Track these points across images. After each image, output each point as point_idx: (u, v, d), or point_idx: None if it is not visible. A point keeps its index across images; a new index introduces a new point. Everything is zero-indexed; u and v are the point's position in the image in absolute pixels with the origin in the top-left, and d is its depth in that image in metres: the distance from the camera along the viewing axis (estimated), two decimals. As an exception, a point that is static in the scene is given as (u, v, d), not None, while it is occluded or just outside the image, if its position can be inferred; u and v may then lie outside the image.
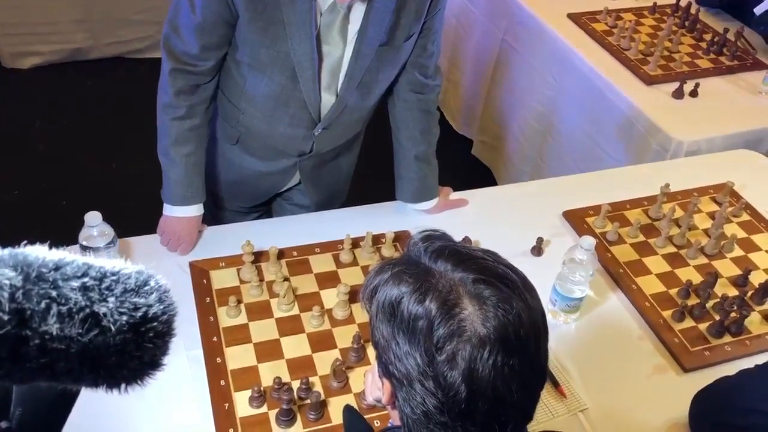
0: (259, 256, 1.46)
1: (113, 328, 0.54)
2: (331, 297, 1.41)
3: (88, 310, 0.53)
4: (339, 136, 1.58)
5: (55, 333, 0.52)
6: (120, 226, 1.45)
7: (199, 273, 1.44)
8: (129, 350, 0.55)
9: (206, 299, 1.39)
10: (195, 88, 1.41)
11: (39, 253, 0.56)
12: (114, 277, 0.56)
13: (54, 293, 0.53)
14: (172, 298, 0.60)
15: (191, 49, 1.36)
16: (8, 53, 3.43)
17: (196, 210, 1.49)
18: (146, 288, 0.57)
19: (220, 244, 1.50)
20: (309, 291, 1.43)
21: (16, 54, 3.44)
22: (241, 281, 1.43)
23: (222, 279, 1.44)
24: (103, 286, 0.55)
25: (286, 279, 1.43)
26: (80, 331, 0.53)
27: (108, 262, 0.57)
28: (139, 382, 0.57)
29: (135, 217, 1.57)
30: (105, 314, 0.54)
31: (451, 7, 2.92)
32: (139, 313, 0.56)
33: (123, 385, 0.57)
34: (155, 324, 0.57)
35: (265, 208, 1.79)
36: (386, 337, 0.74)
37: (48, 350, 0.52)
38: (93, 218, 1.31)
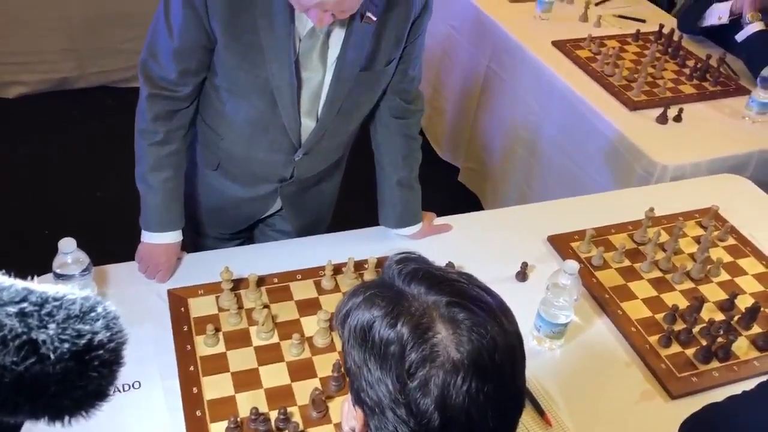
0: (238, 283, 1.44)
1: (53, 356, 0.51)
2: (311, 324, 1.38)
3: (24, 337, 0.50)
4: (320, 162, 1.57)
5: None
6: (101, 254, 1.43)
7: (178, 301, 1.42)
8: (71, 379, 0.52)
9: (184, 328, 1.36)
10: (173, 114, 1.40)
11: None
12: (56, 303, 0.53)
13: None
14: (121, 324, 0.57)
15: (169, 74, 1.34)
16: (-7, 83, 3.43)
17: (174, 236, 1.47)
18: (92, 314, 0.54)
19: (200, 271, 1.48)
20: (289, 318, 1.41)
21: (1, 83, 3.43)
22: (220, 309, 1.40)
23: (200, 307, 1.41)
24: (44, 311, 0.52)
25: (265, 306, 1.40)
26: (15, 359, 0.50)
27: (53, 288, 0.55)
28: (83, 413, 0.54)
29: (116, 245, 1.55)
30: (44, 341, 0.51)
31: (435, 35, 2.94)
32: (83, 341, 0.53)
33: (66, 417, 0.54)
34: (101, 352, 0.54)
35: (246, 234, 1.76)
36: (358, 363, 0.72)
37: None
38: (67, 245, 1.28)
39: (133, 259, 1.48)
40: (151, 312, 1.39)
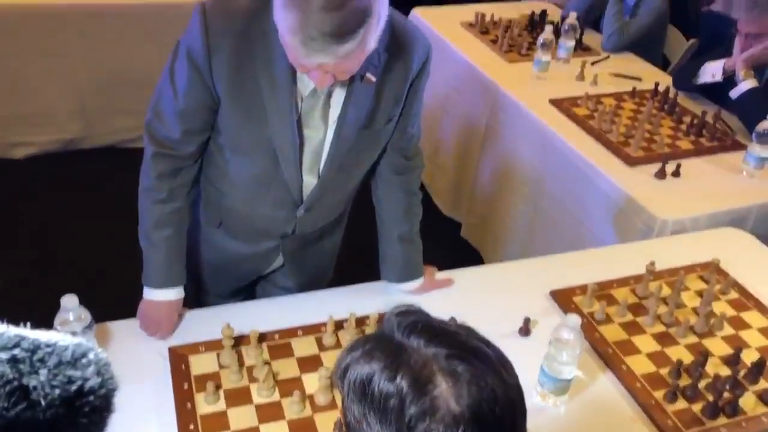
0: (239, 340, 1.43)
1: (43, 402, 0.51)
2: (312, 382, 1.37)
3: (15, 383, 0.51)
4: (322, 218, 1.58)
5: None
6: (103, 311, 1.43)
7: (178, 358, 1.41)
8: (61, 426, 0.52)
9: (184, 385, 1.35)
10: (177, 172, 1.42)
11: None
12: (48, 349, 0.54)
13: None
14: (112, 371, 0.57)
15: (173, 133, 1.37)
16: (2, 144, 3.47)
17: (176, 293, 1.47)
18: (83, 360, 0.54)
19: (201, 327, 1.48)
20: (290, 376, 1.40)
21: (9, 144, 3.48)
22: (221, 366, 1.40)
23: (201, 364, 1.40)
24: (36, 357, 0.53)
25: (266, 363, 1.39)
26: (5, 405, 0.50)
27: (45, 334, 0.55)
28: None
29: (119, 302, 1.56)
30: (35, 387, 0.51)
31: (435, 93, 3.00)
32: (74, 387, 0.53)
33: None
34: (91, 398, 0.54)
35: (248, 291, 1.77)
36: (357, 417, 0.71)
37: None
38: (69, 301, 1.28)
39: (135, 316, 1.48)
40: (151, 369, 1.38)
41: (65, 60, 3.34)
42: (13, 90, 3.34)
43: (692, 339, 1.57)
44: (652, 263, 1.70)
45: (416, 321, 0.74)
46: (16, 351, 0.52)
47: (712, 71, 2.54)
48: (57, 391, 0.52)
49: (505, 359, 0.74)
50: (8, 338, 0.53)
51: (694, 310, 1.66)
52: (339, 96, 1.36)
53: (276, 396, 1.35)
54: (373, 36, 1.14)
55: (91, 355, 0.55)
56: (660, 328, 1.59)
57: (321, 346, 1.46)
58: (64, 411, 0.52)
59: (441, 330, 0.74)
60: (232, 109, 1.34)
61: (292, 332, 1.49)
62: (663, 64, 3.30)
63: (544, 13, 3.34)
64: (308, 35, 1.09)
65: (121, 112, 3.51)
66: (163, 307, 1.46)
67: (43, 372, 0.52)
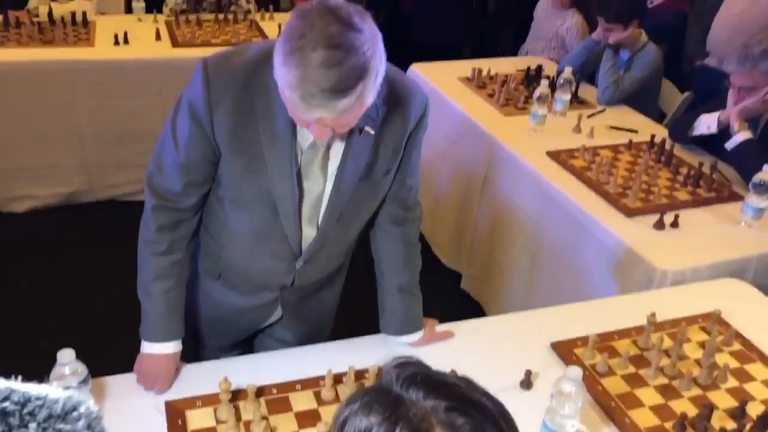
0: (237, 394, 1.41)
1: None
2: (311, 437, 1.35)
3: None
4: (321, 269, 1.58)
5: None
6: (100, 365, 1.42)
7: (175, 413, 1.39)
8: None
9: (180, 441, 1.33)
10: (177, 224, 1.43)
11: None
12: (39, 402, 0.53)
13: None
14: (103, 425, 0.56)
15: (174, 186, 1.39)
16: (3, 198, 3.50)
17: (174, 347, 1.46)
18: (74, 414, 0.54)
19: (198, 382, 1.46)
20: (289, 431, 1.37)
21: (11, 198, 3.51)
22: (218, 421, 1.37)
23: (198, 419, 1.38)
24: (26, 410, 0.52)
25: (264, 418, 1.37)
26: None
27: (35, 387, 0.55)
28: None
29: (117, 357, 1.55)
30: None
31: (433, 146, 3.03)
32: None
33: None
34: None
35: (246, 344, 1.75)
36: (355, 472, 0.70)
37: None
38: (65, 356, 1.27)
39: (132, 371, 1.47)
40: (148, 425, 1.36)
41: (69, 114, 3.39)
42: (17, 143, 3.39)
43: (696, 391, 1.55)
44: (653, 314, 1.69)
45: (415, 373, 0.74)
46: (6, 404, 0.51)
47: (707, 123, 2.57)
48: None
49: (505, 412, 0.73)
50: None
51: (697, 362, 1.64)
52: (338, 148, 1.38)
53: (273, 452, 1.32)
54: (371, 91, 1.16)
55: (82, 409, 0.55)
56: (663, 380, 1.58)
57: (320, 401, 1.44)
58: None
59: (440, 382, 0.73)
60: (233, 161, 1.35)
61: (290, 386, 1.47)
62: (658, 116, 3.35)
63: (539, 67, 3.40)
64: (307, 91, 1.11)
65: (124, 165, 3.55)
66: (160, 361, 1.45)
67: (33, 426, 0.51)
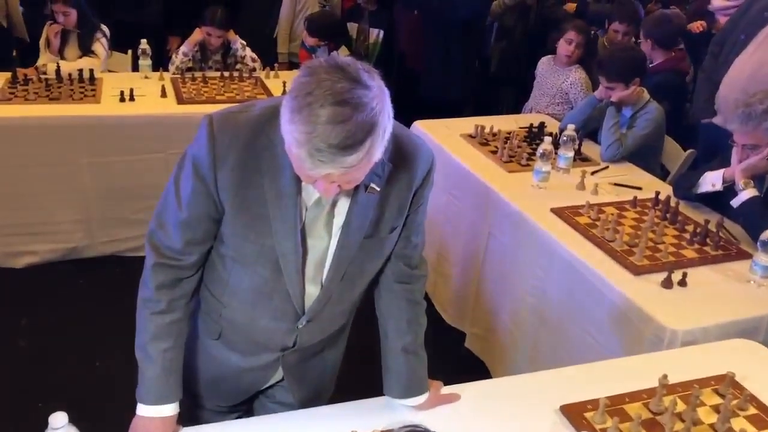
0: (235, 460, 1.36)
1: None
2: (312, 506, 1.29)
3: None
4: (323, 329, 1.55)
5: None
6: (95, 428, 1.37)
7: (170, 480, 1.33)
8: None
9: None
10: (177, 282, 1.40)
11: None
12: None
13: None
14: None
15: (175, 243, 1.37)
16: (3, 253, 3.47)
17: (171, 409, 1.41)
18: None
19: (195, 447, 1.41)
20: (288, 499, 1.32)
21: (11, 254, 3.48)
22: (215, 489, 1.32)
23: (194, 487, 1.32)
24: None
25: (263, 486, 1.32)
26: None
27: None
28: None
29: (113, 419, 1.50)
30: None
31: (437, 203, 3.03)
32: None
33: None
34: None
35: (246, 407, 1.70)
36: None
37: None
38: (58, 420, 1.23)
39: (126, 433, 1.42)
40: (141, 493, 1.30)
41: (73, 169, 3.39)
42: (18, 199, 3.38)
43: (713, 458, 1.49)
44: (665, 376, 1.64)
45: (424, 444, 0.70)
46: None
47: (711, 181, 2.57)
48: None
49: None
50: None
51: (712, 427, 1.58)
52: (343, 205, 1.36)
53: None
54: (379, 147, 1.15)
55: None
56: (678, 446, 1.52)
57: (321, 467, 1.39)
58: None
59: (451, 454, 0.69)
60: (236, 219, 1.34)
61: (290, 451, 1.42)
62: (661, 173, 3.35)
63: (542, 125, 3.42)
64: (315, 147, 1.09)
65: (125, 221, 3.54)
66: (157, 425, 1.40)
67: None
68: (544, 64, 3.95)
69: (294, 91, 1.12)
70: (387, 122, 1.15)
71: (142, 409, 1.41)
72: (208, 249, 1.42)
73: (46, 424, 1.24)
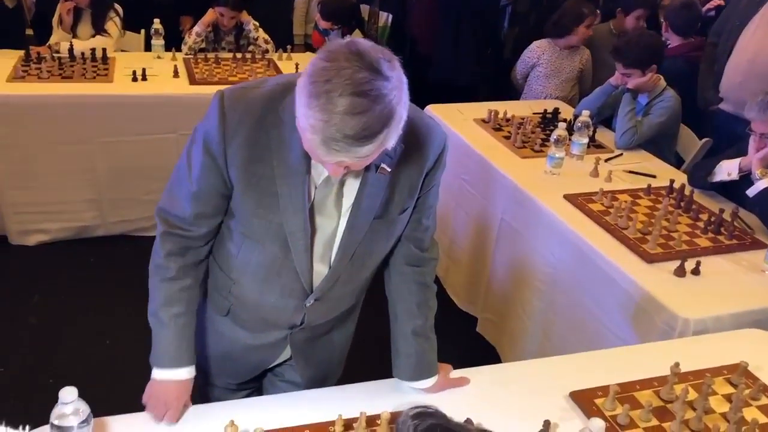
0: (243, 439, 1.36)
1: None
2: (319, 486, 1.29)
3: None
4: (331, 309, 1.54)
5: None
6: (104, 404, 1.37)
7: (178, 457, 1.34)
8: None
9: (182, 487, 1.27)
10: (186, 251, 1.41)
11: None
12: None
13: None
14: None
15: (184, 214, 1.37)
16: (16, 231, 3.49)
17: (186, 373, 1.43)
18: None
19: (205, 424, 1.41)
20: (295, 478, 1.32)
21: (23, 231, 3.50)
22: (222, 466, 1.32)
23: (202, 464, 1.33)
24: None
25: (271, 464, 1.32)
26: None
27: None
28: None
29: (122, 395, 1.51)
30: None
31: (449, 187, 3.01)
32: None
33: None
34: None
35: (255, 385, 1.70)
36: None
37: None
38: (68, 394, 1.23)
39: (136, 411, 1.42)
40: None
41: (84, 149, 3.40)
42: (30, 178, 3.39)
43: (723, 447, 1.48)
44: (677, 364, 1.63)
45: (435, 425, 0.69)
46: None
47: (727, 170, 2.54)
48: None
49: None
50: None
51: (724, 416, 1.57)
52: (353, 185, 1.35)
53: (279, 501, 1.26)
54: (394, 136, 1.13)
55: None
56: (688, 434, 1.51)
57: (329, 447, 1.39)
58: None
59: (461, 434, 0.68)
60: (245, 195, 1.33)
61: (298, 431, 1.41)
62: (676, 161, 3.32)
63: (556, 110, 3.39)
64: (330, 136, 1.08)
65: (136, 201, 3.54)
66: (172, 388, 1.41)
67: None
68: (546, 50, 3.93)
69: (313, 76, 1.08)
70: (403, 112, 1.13)
71: (158, 373, 1.42)
72: (218, 224, 1.42)
73: (56, 400, 1.25)
